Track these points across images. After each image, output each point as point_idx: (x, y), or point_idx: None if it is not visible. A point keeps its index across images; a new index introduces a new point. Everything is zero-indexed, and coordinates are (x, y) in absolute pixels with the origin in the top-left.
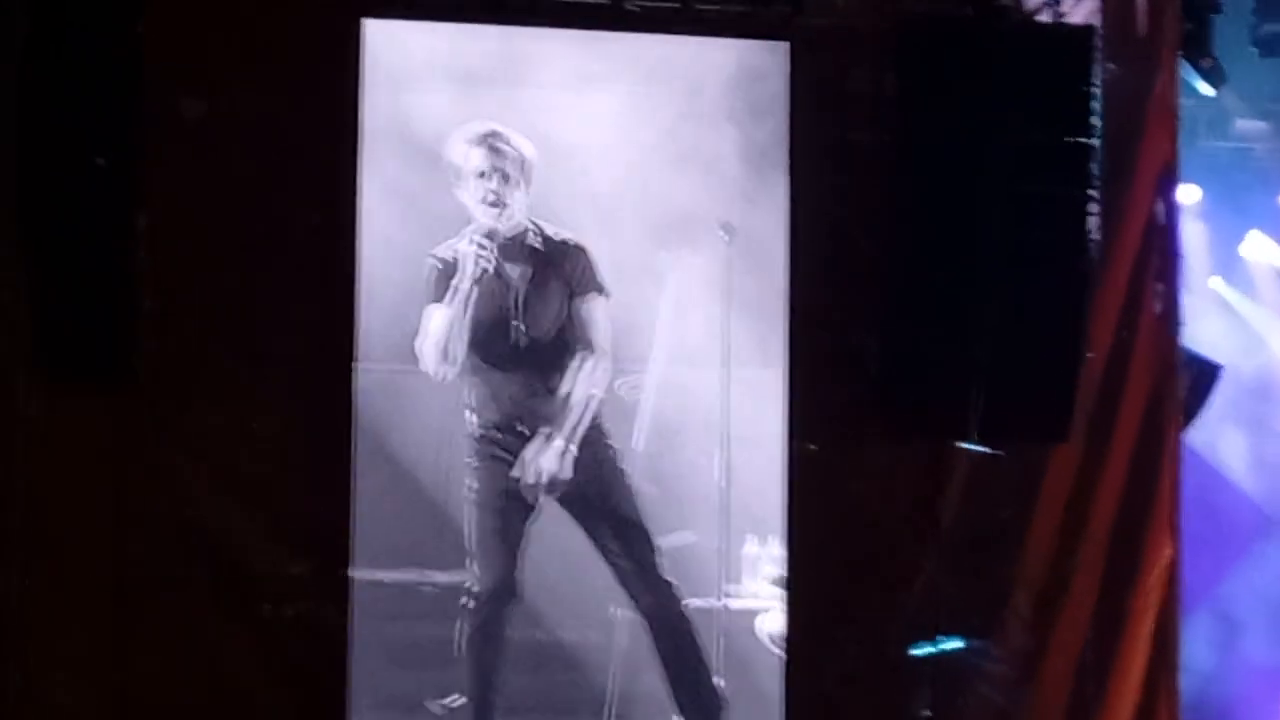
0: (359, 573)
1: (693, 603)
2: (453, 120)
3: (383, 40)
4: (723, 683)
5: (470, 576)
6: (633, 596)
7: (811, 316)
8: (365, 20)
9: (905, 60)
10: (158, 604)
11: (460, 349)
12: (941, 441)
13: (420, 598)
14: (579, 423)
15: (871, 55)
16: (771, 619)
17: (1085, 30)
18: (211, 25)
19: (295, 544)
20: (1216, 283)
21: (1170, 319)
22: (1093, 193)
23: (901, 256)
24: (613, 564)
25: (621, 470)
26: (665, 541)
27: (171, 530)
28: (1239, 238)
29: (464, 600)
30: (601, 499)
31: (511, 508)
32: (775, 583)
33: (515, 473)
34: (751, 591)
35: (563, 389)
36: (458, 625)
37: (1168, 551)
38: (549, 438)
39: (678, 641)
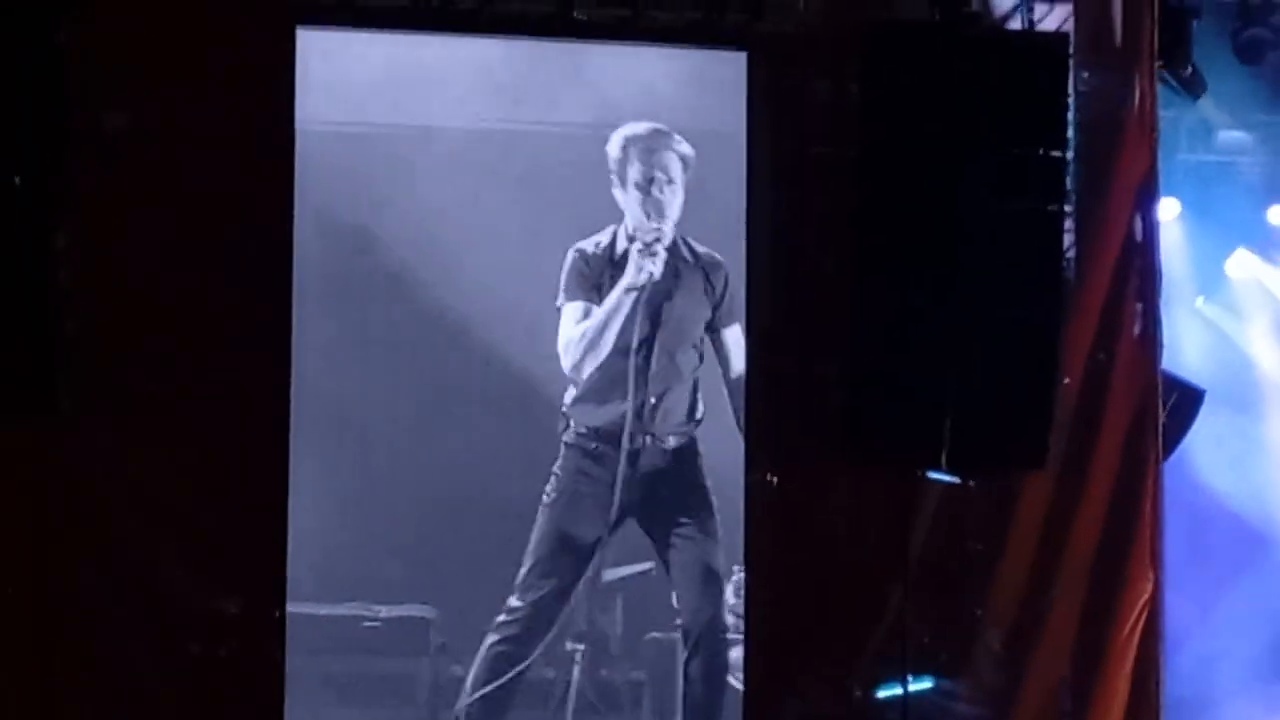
0: (301, 607)
1: (652, 635)
2: (389, 130)
3: (317, 50)
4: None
5: (517, 591)
6: (687, 629)
7: (771, 339)
8: (299, 30)
9: (869, 69)
10: (83, 644)
11: (606, 350)
12: (909, 471)
13: (366, 632)
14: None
15: (834, 64)
16: (739, 652)
17: (1059, 38)
18: (136, 35)
19: (228, 579)
20: (1201, 304)
21: (1150, 340)
22: (1068, 208)
23: (866, 276)
24: (681, 596)
25: (712, 503)
26: (621, 571)
27: (97, 567)
28: (1221, 254)
29: (501, 615)
30: (687, 526)
31: (582, 537)
32: (734, 613)
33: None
34: None
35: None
36: (487, 644)
37: (1149, 586)
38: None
39: (710, 681)
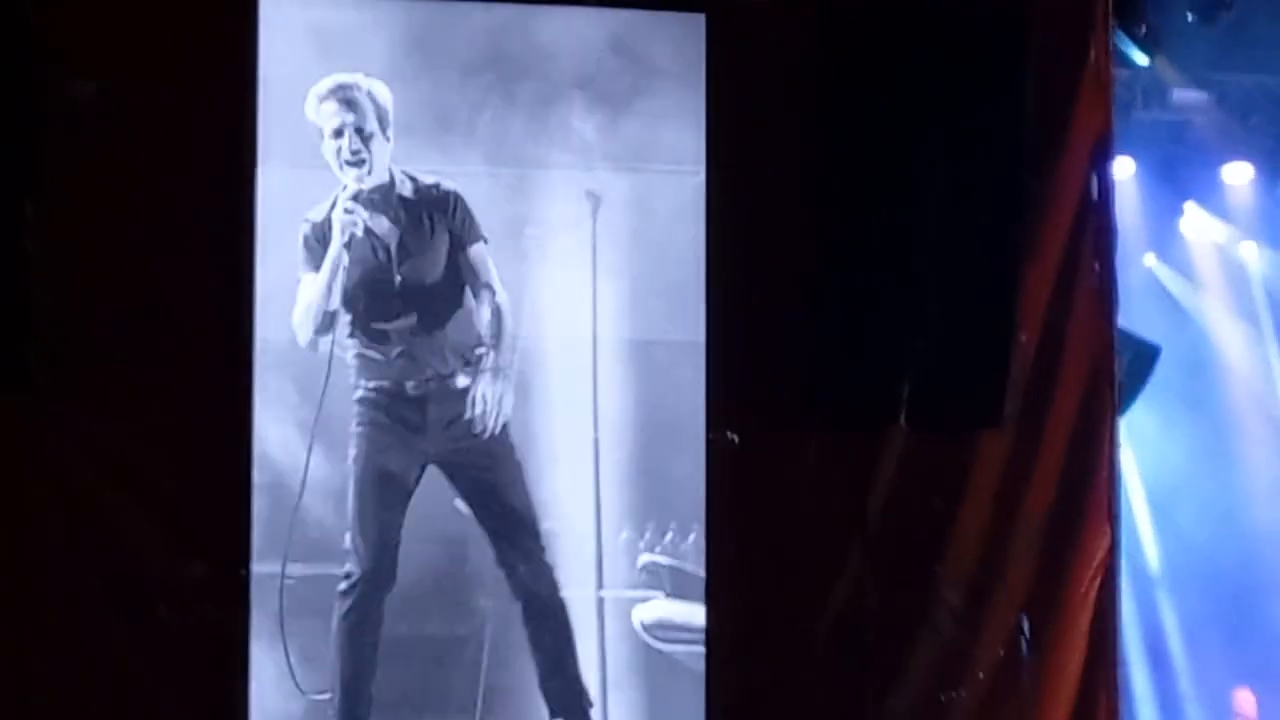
0: (269, 567)
1: (567, 591)
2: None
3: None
4: (586, 675)
5: (348, 557)
6: (510, 578)
7: (732, 299)
8: None
9: (827, 31)
10: (52, 610)
11: (335, 316)
12: (867, 428)
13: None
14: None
15: (792, 26)
16: (647, 609)
17: None
18: (103, 3)
19: (194, 544)
20: (1150, 260)
21: (1106, 298)
22: (1023, 167)
23: (825, 235)
24: (494, 544)
25: (511, 445)
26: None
27: (65, 534)
28: (1175, 213)
29: (340, 585)
30: (489, 473)
31: (395, 478)
32: (649, 570)
33: (460, 412)
34: (626, 581)
35: (480, 326)
36: (335, 621)
37: (1105, 541)
38: (495, 373)
39: (551, 629)
